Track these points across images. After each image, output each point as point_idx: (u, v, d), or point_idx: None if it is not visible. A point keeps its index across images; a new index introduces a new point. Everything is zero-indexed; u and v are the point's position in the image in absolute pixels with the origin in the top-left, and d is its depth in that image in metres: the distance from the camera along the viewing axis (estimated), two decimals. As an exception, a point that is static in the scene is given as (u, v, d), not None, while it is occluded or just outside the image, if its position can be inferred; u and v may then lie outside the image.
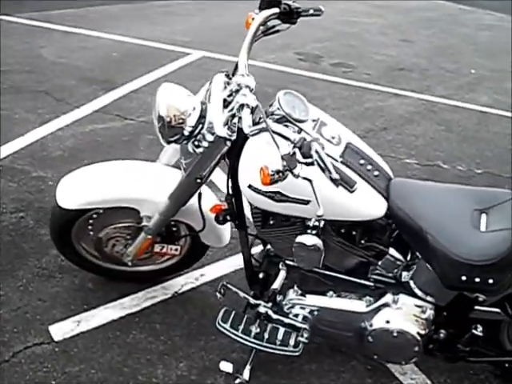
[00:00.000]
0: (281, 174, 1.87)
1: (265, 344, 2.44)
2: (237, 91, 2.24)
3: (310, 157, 1.84)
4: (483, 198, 2.39)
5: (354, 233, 2.34)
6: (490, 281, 2.17)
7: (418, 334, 2.35)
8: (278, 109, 2.15)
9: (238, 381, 2.48)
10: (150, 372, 2.54)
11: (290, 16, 2.44)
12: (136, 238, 2.65)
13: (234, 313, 2.52)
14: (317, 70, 6.34)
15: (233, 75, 2.40)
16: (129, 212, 2.60)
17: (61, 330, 2.66)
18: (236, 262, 3.14)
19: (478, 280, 2.17)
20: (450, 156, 4.71)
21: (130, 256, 2.70)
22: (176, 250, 2.74)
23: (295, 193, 2.16)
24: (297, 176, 1.87)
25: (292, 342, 2.45)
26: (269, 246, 2.55)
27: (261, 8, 2.44)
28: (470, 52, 7.68)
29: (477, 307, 2.32)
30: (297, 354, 2.44)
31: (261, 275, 2.56)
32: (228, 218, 2.47)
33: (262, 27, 2.42)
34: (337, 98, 5.66)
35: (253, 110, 2.12)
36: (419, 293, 2.36)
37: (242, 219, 2.46)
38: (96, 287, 2.92)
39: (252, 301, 2.53)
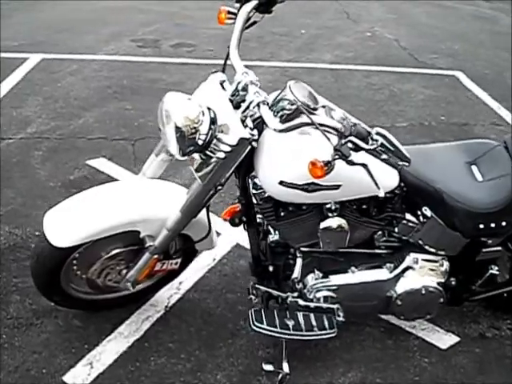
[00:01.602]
0: (331, 164, 1.89)
1: (305, 333, 2.45)
2: (243, 89, 2.19)
3: (376, 141, 1.89)
4: (469, 151, 2.60)
5: (370, 207, 2.42)
6: (503, 223, 2.39)
7: (440, 285, 2.53)
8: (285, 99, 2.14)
9: (280, 376, 2.48)
10: (192, 393, 2.46)
11: (268, 5, 2.41)
12: (134, 261, 2.49)
13: (264, 311, 2.49)
14: (162, 54, 6.19)
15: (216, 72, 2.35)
16: (121, 237, 2.42)
17: (77, 378, 2.44)
18: (203, 262, 3.08)
19: (493, 225, 2.38)
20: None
21: (131, 281, 2.53)
22: (176, 263, 2.60)
23: (327, 180, 2.17)
24: (352, 163, 1.91)
25: (327, 324, 2.49)
26: (273, 238, 2.53)
27: (238, 1, 2.38)
28: (293, 13, 7.91)
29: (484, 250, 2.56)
30: (334, 334, 2.48)
31: (270, 268, 2.55)
32: (244, 218, 2.43)
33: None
34: (196, 78, 5.56)
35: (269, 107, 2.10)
36: (431, 249, 2.53)
37: (252, 217, 2.44)
38: (83, 323, 2.69)
39: (282, 295, 2.53)
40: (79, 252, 2.41)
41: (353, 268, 2.51)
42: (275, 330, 2.45)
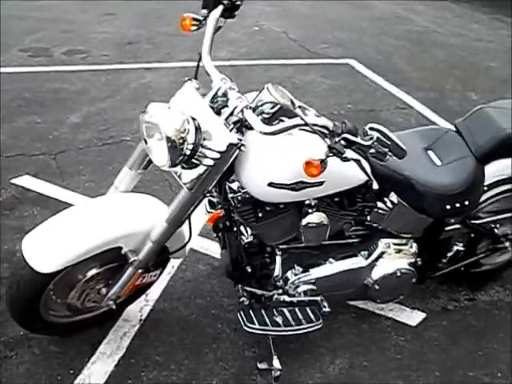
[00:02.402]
0: (325, 162, 1.96)
1: (295, 327, 2.51)
2: (223, 95, 2.21)
3: (371, 136, 1.97)
4: (423, 137, 2.76)
5: (343, 199, 2.51)
6: (466, 202, 2.57)
7: (411, 266, 2.68)
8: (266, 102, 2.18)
9: (273, 373, 2.52)
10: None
11: (232, 10, 2.43)
12: (116, 279, 2.43)
13: (252, 312, 2.52)
14: (56, 62, 5.94)
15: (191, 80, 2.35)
16: (100, 256, 2.33)
17: (72, 405, 2.36)
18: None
19: (458, 205, 2.56)
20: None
21: (113, 299, 2.47)
22: (155, 275, 2.56)
23: (306, 177, 2.24)
24: (347, 159, 1.99)
25: (313, 316, 2.57)
26: (247, 240, 2.57)
27: (205, 7, 2.38)
28: (177, 11, 7.88)
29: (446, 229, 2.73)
30: (321, 325, 2.56)
31: (248, 269, 2.58)
32: (227, 223, 2.44)
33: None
34: (99, 86, 5.45)
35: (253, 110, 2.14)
36: (399, 233, 2.67)
37: (233, 221, 2.46)
38: (61, 348, 2.59)
39: (268, 293, 2.56)
40: (59, 277, 2.34)
41: (330, 259, 2.60)
42: (267, 328, 2.49)
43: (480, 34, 8.05)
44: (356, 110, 5.26)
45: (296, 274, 2.57)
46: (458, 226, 2.75)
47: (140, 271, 2.40)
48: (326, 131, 2.00)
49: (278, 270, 2.54)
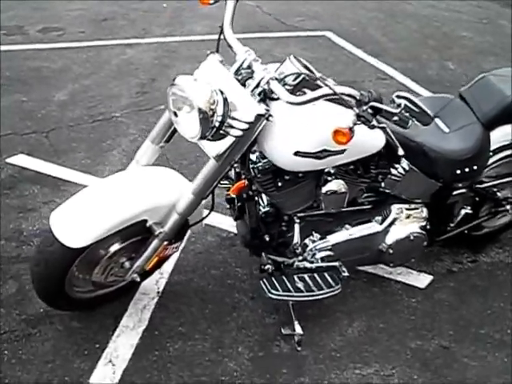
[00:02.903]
0: (353, 130, 2.02)
1: (317, 293, 2.58)
2: (248, 67, 2.23)
3: (399, 104, 2.04)
4: (430, 106, 2.81)
5: (359, 167, 2.58)
6: (475, 167, 2.68)
7: (423, 229, 2.77)
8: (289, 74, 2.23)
9: (296, 338, 2.59)
10: (224, 368, 2.50)
11: None
12: (140, 252, 2.45)
13: (275, 279, 2.58)
14: (32, 40, 5.81)
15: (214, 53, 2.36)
16: (124, 231, 2.35)
17: (105, 378, 2.38)
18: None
19: (467, 170, 2.66)
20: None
21: (138, 271, 2.49)
22: (177, 247, 2.59)
23: (330, 145, 2.30)
24: (374, 127, 2.06)
25: (332, 281, 2.64)
26: (266, 209, 2.62)
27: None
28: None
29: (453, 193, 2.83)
30: (340, 289, 2.64)
31: (267, 238, 2.64)
32: (250, 193, 2.48)
33: None
34: (80, 63, 5.37)
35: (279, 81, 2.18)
36: (409, 198, 2.75)
37: (253, 191, 2.51)
38: (83, 324, 2.61)
39: (289, 261, 2.62)
40: (85, 253, 2.35)
41: (346, 226, 2.68)
42: (290, 293, 2.55)
43: (450, 5, 8.13)
44: (338, 82, 5.26)
45: (314, 241, 2.63)
46: (464, 190, 2.85)
47: (165, 243, 2.44)
48: (352, 100, 2.07)
49: (296, 238, 2.60)
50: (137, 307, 2.72)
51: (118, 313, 2.68)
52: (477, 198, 2.95)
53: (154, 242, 2.42)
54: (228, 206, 2.77)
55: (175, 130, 2.46)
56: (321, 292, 2.60)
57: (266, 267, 2.57)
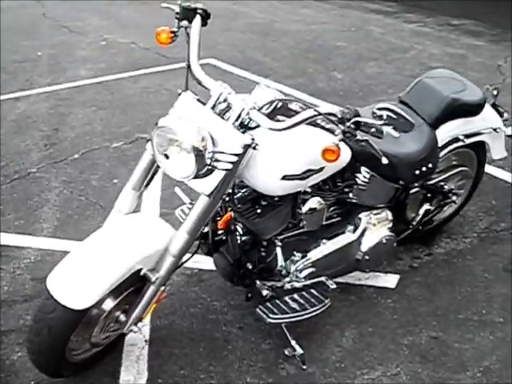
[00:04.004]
0: (339, 147, 2.13)
1: (311, 310, 2.64)
2: (224, 100, 2.26)
3: (380, 116, 2.16)
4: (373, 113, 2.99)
5: (328, 181, 2.66)
6: (430, 165, 2.86)
7: (391, 231, 2.91)
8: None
9: (298, 357, 2.62)
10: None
11: (206, 19, 2.47)
12: (136, 302, 2.39)
13: (272, 303, 2.60)
14: None
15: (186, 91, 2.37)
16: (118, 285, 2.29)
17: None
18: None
19: (424, 169, 2.85)
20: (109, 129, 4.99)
21: (136, 323, 2.42)
22: (164, 290, 2.55)
23: (316, 165, 2.39)
24: (359, 140, 2.18)
25: (321, 296, 2.70)
26: (243, 238, 2.65)
27: (182, 18, 2.41)
28: (11, 37, 7.48)
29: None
30: (330, 302, 2.71)
31: (249, 266, 2.67)
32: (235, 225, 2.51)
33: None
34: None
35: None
36: (373, 204, 2.89)
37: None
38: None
39: (278, 284, 2.66)
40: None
41: (323, 241, 2.76)
42: (289, 315, 2.60)
43: (314, 18, 8.52)
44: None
45: (297, 261, 2.69)
46: (417, 189, 3.04)
47: (162, 288, 2.40)
48: (334, 118, 2.17)
49: (280, 260, 2.66)
50: (131, 359, 2.64)
51: (112, 369, 2.59)
52: (428, 194, 3.15)
53: (151, 289, 2.37)
54: (198, 242, 2.77)
55: (154, 174, 2.45)
56: (314, 308, 2.66)
57: (265, 293, 2.59)
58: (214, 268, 2.85)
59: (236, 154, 2.18)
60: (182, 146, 2.13)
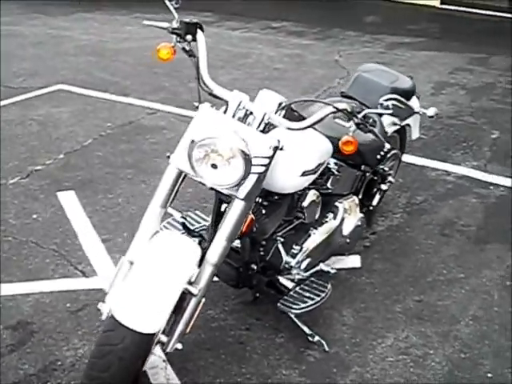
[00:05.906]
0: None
1: (322, 296, 2.82)
2: (242, 108, 2.35)
3: (387, 107, 2.41)
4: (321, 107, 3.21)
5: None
6: (385, 149, 3.17)
7: (362, 213, 3.19)
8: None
9: (316, 340, 2.80)
10: None
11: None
12: (177, 318, 2.37)
13: (289, 296, 2.72)
14: None
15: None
16: None
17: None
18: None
19: (382, 153, 3.19)
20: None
21: (178, 339, 2.39)
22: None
23: (323, 158, 2.58)
24: (369, 131, 2.42)
25: (323, 282, 2.89)
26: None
27: (188, 34, 2.43)
28: None
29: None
30: (330, 286, 2.90)
31: (254, 266, 2.77)
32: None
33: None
34: None
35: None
36: (342, 192, 3.12)
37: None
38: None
39: (292, 277, 2.78)
40: None
41: (313, 230, 2.94)
42: (309, 303, 2.76)
43: (141, 34, 8.19)
44: (118, 126, 5.30)
45: (296, 254, 2.84)
46: (369, 173, 3.35)
47: (203, 299, 2.41)
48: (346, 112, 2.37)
49: (284, 256, 2.79)
50: (159, 381, 2.61)
51: (144, 388, 2.55)
52: (375, 177, 3.47)
53: (193, 302, 2.38)
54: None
55: (178, 189, 2.45)
56: (323, 295, 2.84)
57: (290, 286, 2.70)
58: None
59: (267, 157, 2.29)
60: (225, 154, 2.19)
